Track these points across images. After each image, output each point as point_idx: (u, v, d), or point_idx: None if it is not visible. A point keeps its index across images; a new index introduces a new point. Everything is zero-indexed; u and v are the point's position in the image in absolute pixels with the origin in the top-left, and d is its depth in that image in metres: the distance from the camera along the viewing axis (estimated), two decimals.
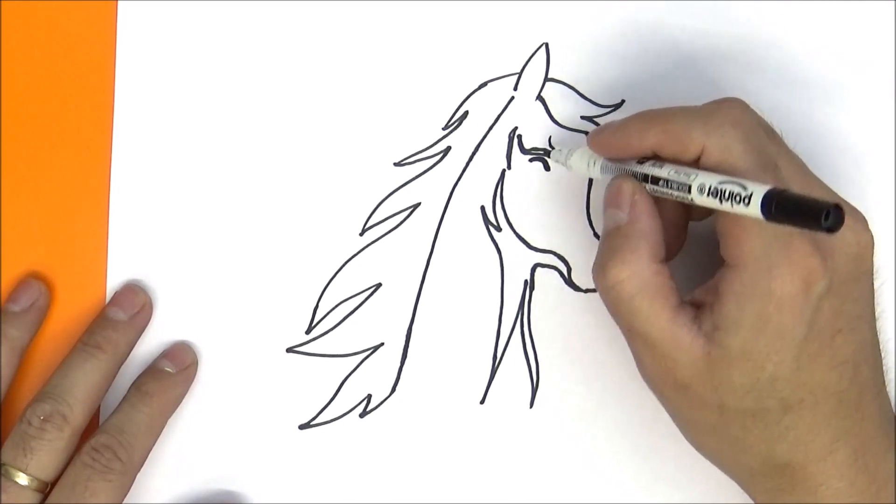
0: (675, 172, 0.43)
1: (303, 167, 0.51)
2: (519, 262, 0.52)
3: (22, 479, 0.46)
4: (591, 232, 0.52)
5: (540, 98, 0.52)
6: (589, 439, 0.52)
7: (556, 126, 0.52)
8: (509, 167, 0.52)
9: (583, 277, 0.52)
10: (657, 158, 0.45)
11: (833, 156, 0.53)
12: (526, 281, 0.52)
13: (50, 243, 0.51)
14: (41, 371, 0.50)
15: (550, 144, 0.52)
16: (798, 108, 0.53)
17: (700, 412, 0.45)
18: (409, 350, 0.52)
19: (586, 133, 0.52)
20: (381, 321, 0.51)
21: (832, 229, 0.37)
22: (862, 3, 0.53)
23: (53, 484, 0.47)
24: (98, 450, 0.47)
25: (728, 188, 0.40)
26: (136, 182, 0.51)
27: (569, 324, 0.52)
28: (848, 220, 0.41)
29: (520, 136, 0.52)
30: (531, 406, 0.52)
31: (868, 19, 0.53)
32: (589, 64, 0.52)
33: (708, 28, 0.52)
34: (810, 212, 0.37)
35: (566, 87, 0.52)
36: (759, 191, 0.39)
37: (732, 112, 0.44)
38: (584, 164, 0.48)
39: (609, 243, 0.45)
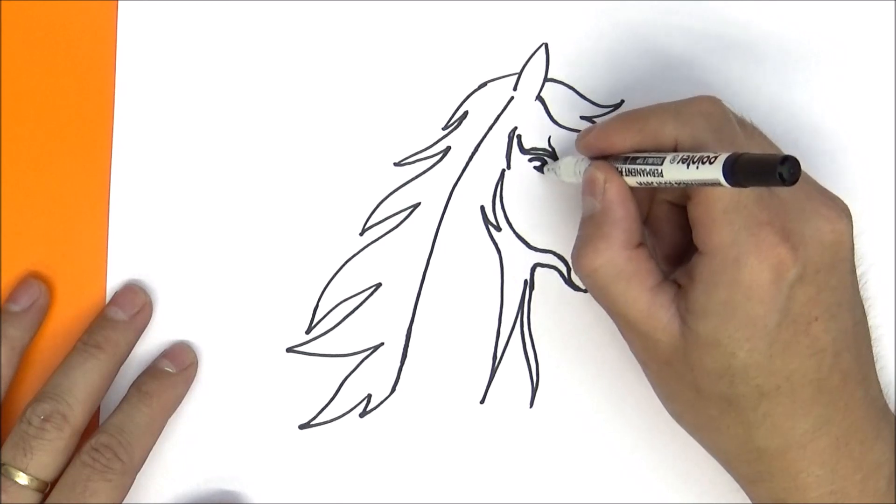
0: (649, 156, 0.44)
1: (303, 167, 0.51)
2: (519, 261, 0.52)
3: (22, 478, 0.46)
4: None
5: (539, 98, 0.52)
6: (589, 439, 0.52)
7: (556, 126, 0.52)
8: (509, 167, 0.52)
9: None
10: (636, 153, 0.45)
11: (833, 155, 0.53)
12: (526, 281, 0.52)
13: (50, 243, 0.51)
14: (41, 371, 0.49)
15: (550, 144, 0.52)
16: (798, 107, 0.53)
17: (680, 389, 0.45)
18: (409, 350, 0.52)
19: None
20: (381, 321, 0.51)
21: (788, 181, 0.37)
22: (862, 3, 0.53)
23: (53, 484, 0.47)
24: (98, 450, 0.47)
25: (697, 154, 0.41)
26: (136, 182, 0.51)
27: (569, 323, 0.52)
28: (821, 209, 0.43)
29: (519, 137, 0.52)
30: (531, 406, 0.52)
31: (868, 19, 0.53)
32: (588, 64, 0.52)
33: (707, 28, 0.52)
34: (767, 167, 0.38)
35: (566, 88, 0.52)
36: (723, 155, 0.39)
37: (703, 105, 0.44)
38: (571, 169, 0.49)
39: (583, 232, 0.46)
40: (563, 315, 0.52)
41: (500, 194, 0.52)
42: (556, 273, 0.52)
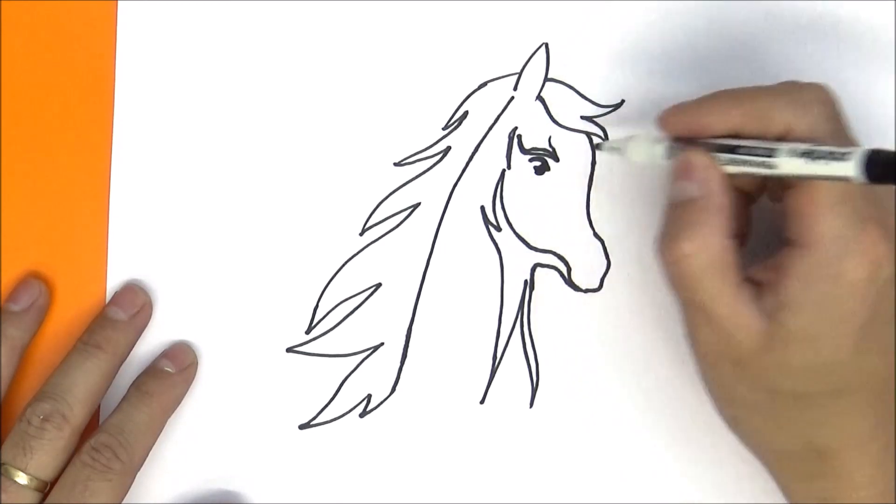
0: (756, 146, 0.42)
1: (302, 167, 0.51)
2: (519, 261, 0.52)
3: (22, 478, 0.46)
4: (591, 232, 0.52)
5: (540, 98, 0.52)
6: (589, 439, 0.52)
7: (556, 126, 0.52)
8: (509, 167, 0.52)
9: (583, 277, 0.52)
10: (735, 137, 0.44)
11: None
12: (526, 281, 0.52)
13: (50, 243, 0.51)
14: (41, 371, 0.50)
15: (550, 144, 0.52)
16: None
17: (749, 390, 0.44)
18: (409, 350, 0.52)
19: (586, 133, 0.52)
20: (380, 321, 0.51)
21: None
22: (862, 3, 0.53)
23: (53, 483, 0.47)
24: (98, 449, 0.47)
25: (823, 148, 0.40)
26: (135, 182, 0.51)
27: (569, 324, 0.52)
28: None
29: (520, 136, 0.52)
30: (531, 406, 0.52)
31: (868, 19, 0.53)
32: (589, 64, 0.52)
33: (707, 28, 0.52)
34: None
35: (566, 87, 0.52)
36: (857, 150, 0.39)
37: (819, 92, 0.43)
38: (644, 149, 0.47)
39: (678, 216, 0.44)
40: (563, 315, 0.52)
41: (500, 194, 0.52)
42: (556, 273, 0.52)
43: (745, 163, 0.43)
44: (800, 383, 0.43)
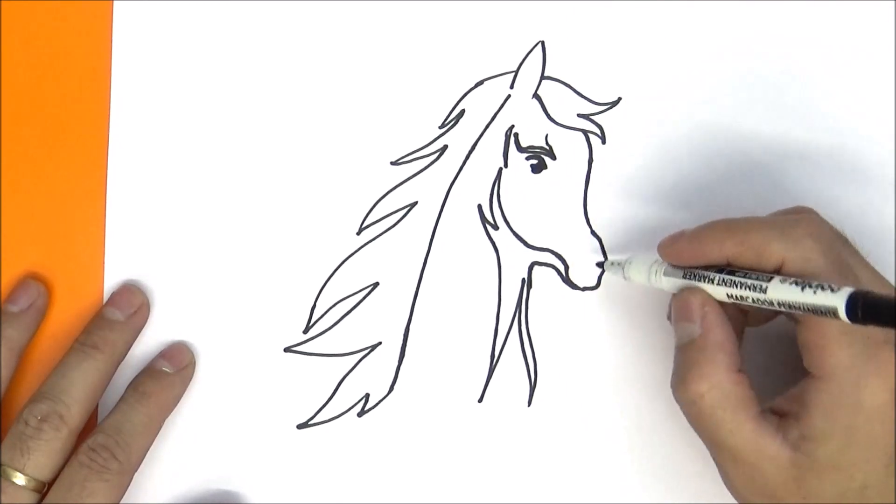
0: (752, 272, 0.43)
1: (299, 166, 0.51)
2: (516, 260, 0.52)
3: (19, 479, 0.46)
4: (589, 230, 0.52)
5: (536, 96, 0.52)
6: (587, 437, 0.51)
7: (553, 124, 0.52)
8: (506, 165, 0.52)
9: (580, 275, 0.52)
10: (729, 266, 0.45)
11: (833, 155, 0.53)
12: (523, 279, 0.52)
13: (47, 244, 0.51)
14: (39, 371, 0.50)
15: (547, 142, 0.52)
16: (797, 107, 0.52)
17: None
18: (407, 349, 0.51)
19: (583, 131, 0.52)
20: (378, 320, 0.51)
21: None
22: (862, 3, 0.53)
23: (51, 484, 0.47)
24: (95, 450, 0.47)
25: (812, 282, 0.41)
26: (132, 182, 0.51)
27: (566, 322, 0.52)
28: None
29: (516, 135, 0.52)
30: (529, 404, 0.52)
31: (868, 19, 0.53)
32: (585, 62, 0.52)
33: (706, 26, 0.52)
34: (891, 309, 0.38)
35: (562, 85, 0.52)
36: (844, 290, 0.39)
37: (812, 226, 0.44)
38: (644, 273, 0.48)
39: (685, 357, 0.45)
40: (561, 313, 0.52)
41: (497, 193, 0.52)
42: (553, 271, 0.52)
43: (739, 285, 0.43)
44: None
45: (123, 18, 0.51)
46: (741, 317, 0.47)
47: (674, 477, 0.51)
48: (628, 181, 0.52)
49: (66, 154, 0.51)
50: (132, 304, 0.50)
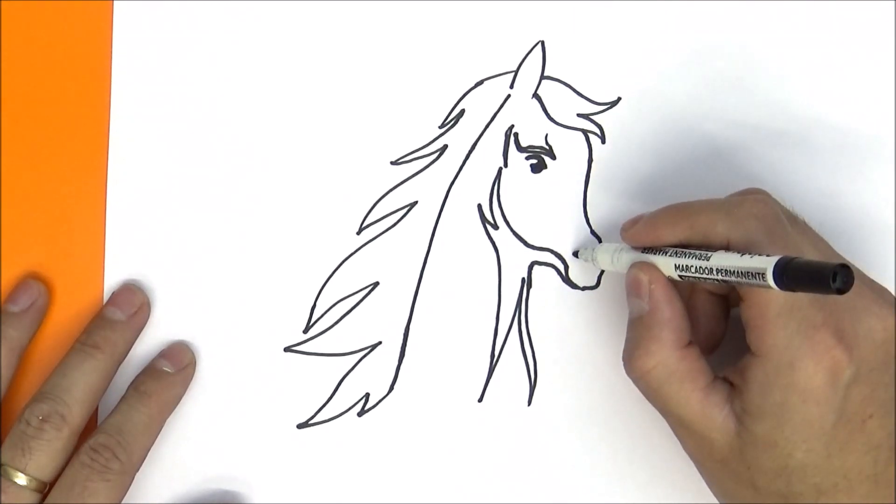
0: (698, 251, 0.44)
1: (299, 166, 0.51)
2: (516, 259, 0.52)
3: (21, 479, 0.46)
4: (589, 229, 0.52)
5: (536, 96, 0.52)
6: (587, 437, 0.52)
7: (553, 124, 0.52)
8: (506, 165, 0.52)
9: (580, 275, 0.52)
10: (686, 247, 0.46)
11: (833, 156, 0.53)
12: (523, 279, 0.52)
13: (47, 244, 0.51)
14: (40, 371, 0.50)
15: (547, 142, 0.52)
16: (797, 107, 0.52)
17: (737, 486, 0.45)
18: (407, 348, 0.52)
19: (583, 130, 0.52)
20: (378, 320, 0.51)
21: (842, 290, 0.37)
22: (862, 3, 0.53)
23: (52, 484, 0.47)
24: (96, 450, 0.47)
25: (747, 259, 0.42)
26: (132, 182, 0.51)
27: (566, 321, 0.52)
28: (872, 307, 0.43)
29: (516, 134, 0.52)
30: (529, 404, 0.52)
31: (868, 19, 0.53)
32: (585, 62, 0.52)
33: (706, 26, 0.52)
34: (819, 275, 0.38)
35: (562, 85, 0.52)
36: (771, 260, 0.40)
37: (755, 206, 0.45)
38: (608, 258, 0.49)
39: (633, 333, 0.46)
40: (560, 313, 0.52)
41: (497, 192, 0.52)
42: (553, 271, 0.52)
43: (685, 255, 0.45)
44: (778, 483, 0.44)
45: (123, 18, 0.51)
46: (722, 301, 0.48)
47: (674, 477, 0.51)
48: (628, 181, 0.52)
49: (66, 154, 0.51)
50: (133, 303, 0.50)
